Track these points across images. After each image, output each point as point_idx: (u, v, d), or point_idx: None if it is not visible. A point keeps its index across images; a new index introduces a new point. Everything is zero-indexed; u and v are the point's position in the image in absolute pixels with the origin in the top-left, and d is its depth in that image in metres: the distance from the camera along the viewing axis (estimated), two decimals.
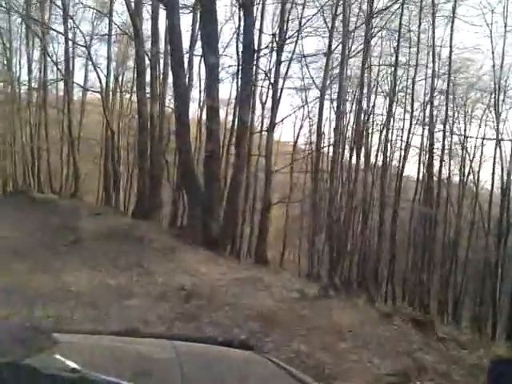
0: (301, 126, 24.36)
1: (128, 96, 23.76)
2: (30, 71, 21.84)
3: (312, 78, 19.56)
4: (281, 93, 15.47)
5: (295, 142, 24.86)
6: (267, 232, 15.73)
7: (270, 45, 15.74)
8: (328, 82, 19.24)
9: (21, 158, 24.88)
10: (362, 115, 18.24)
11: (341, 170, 18.63)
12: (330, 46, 17.38)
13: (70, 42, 19.00)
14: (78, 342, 1.42)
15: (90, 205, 20.86)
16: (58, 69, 19.62)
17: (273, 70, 15.95)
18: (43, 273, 8.57)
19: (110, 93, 20.25)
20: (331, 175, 16.94)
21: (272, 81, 15.36)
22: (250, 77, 12.20)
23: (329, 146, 21.54)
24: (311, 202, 19.00)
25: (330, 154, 22.13)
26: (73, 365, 0.98)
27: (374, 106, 19.93)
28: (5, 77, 22.94)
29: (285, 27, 15.11)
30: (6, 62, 22.89)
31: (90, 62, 19.27)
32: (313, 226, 19.40)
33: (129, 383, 0.99)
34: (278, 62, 14.60)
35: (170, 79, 16.72)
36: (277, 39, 14.79)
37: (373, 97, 20.11)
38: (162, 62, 16.88)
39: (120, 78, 22.83)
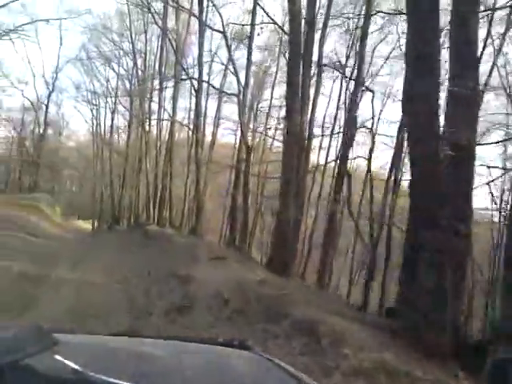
0: None
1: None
2: (161, 88, 19.22)
3: None
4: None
5: None
6: None
7: None
8: None
9: (145, 187, 22.50)
10: None
11: None
12: None
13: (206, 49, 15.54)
14: (78, 342, 1.41)
15: (210, 245, 16.44)
16: (184, 70, 16.30)
17: None
18: None
19: (248, 98, 16.12)
20: None
21: None
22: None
23: None
24: None
25: None
26: (73, 366, 0.98)
27: None
28: (139, 97, 20.95)
29: None
30: (140, 82, 21.11)
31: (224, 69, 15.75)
32: None
33: None
34: None
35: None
36: None
37: None
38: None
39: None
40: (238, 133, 23.36)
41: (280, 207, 11.25)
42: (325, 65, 12.19)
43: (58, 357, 1.02)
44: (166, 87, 19.06)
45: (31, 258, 10.99)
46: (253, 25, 13.68)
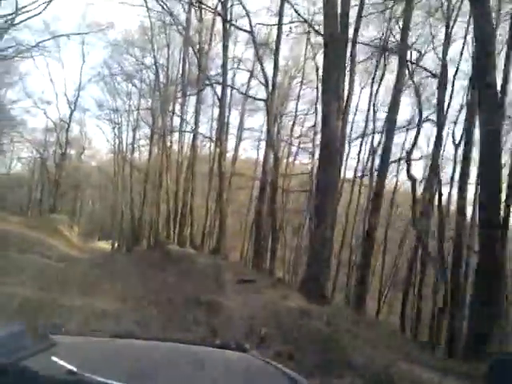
0: None
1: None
2: (184, 95, 18.34)
3: None
4: None
5: None
6: None
7: None
8: None
9: (165, 204, 21.58)
10: None
11: None
12: None
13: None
14: (75, 344, 1.41)
15: (235, 266, 15.17)
16: (208, 78, 15.25)
17: None
18: None
19: (275, 102, 14.92)
20: None
21: None
22: None
23: None
24: None
25: None
26: (69, 367, 0.99)
27: None
28: (161, 108, 20.22)
29: None
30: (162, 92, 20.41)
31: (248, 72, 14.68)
32: None
33: None
34: None
35: None
36: None
37: None
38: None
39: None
40: (262, 146, 22.52)
41: (315, 223, 9.91)
42: (385, 48, 10.81)
43: (55, 358, 1.03)
44: (189, 95, 18.12)
45: (40, 281, 9.95)
46: (281, 24, 12.62)
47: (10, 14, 17.03)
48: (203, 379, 1.25)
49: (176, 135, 21.74)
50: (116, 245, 29.09)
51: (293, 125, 21.53)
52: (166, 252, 15.29)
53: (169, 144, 21.70)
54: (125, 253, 23.08)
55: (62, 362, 1.00)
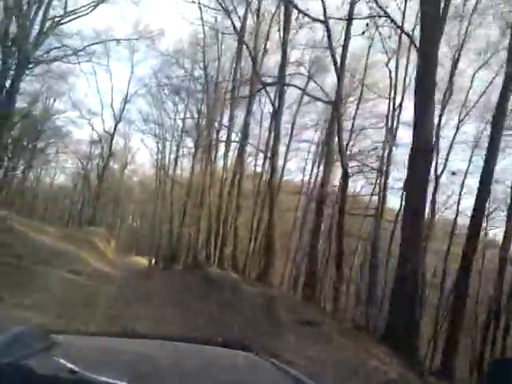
0: None
1: None
2: (233, 98, 16.81)
3: None
4: None
5: None
6: None
7: None
8: None
9: (206, 222, 19.95)
10: None
11: None
12: None
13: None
14: (76, 343, 1.40)
15: (285, 297, 13.07)
16: (262, 83, 13.43)
17: None
18: None
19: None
20: None
21: None
22: None
23: None
24: None
25: None
26: (71, 366, 0.97)
27: None
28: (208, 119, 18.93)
29: None
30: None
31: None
32: None
33: None
34: None
35: None
36: None
37: None
38: None
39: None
40: (308, 166, 20.82)
41: (401, 256, 7.77)
42: None
43: (56, 357, 1.01)
44: (240, 97, 16.49)
45: (61, 305, 8.41)
46: (353, 19, 10.76)
47: (58, 17, 16.63)
48: (207, 378, 1.21)
49: (221, 150, 20.41)
50: (153, 261, 27.87)
51: (348, 142, 19.63)
52: (205, 275, 13.51)
53: (213, 157, 20.38)
54: (161, 271, 21.61)
55: (63, 361, 0.97)
